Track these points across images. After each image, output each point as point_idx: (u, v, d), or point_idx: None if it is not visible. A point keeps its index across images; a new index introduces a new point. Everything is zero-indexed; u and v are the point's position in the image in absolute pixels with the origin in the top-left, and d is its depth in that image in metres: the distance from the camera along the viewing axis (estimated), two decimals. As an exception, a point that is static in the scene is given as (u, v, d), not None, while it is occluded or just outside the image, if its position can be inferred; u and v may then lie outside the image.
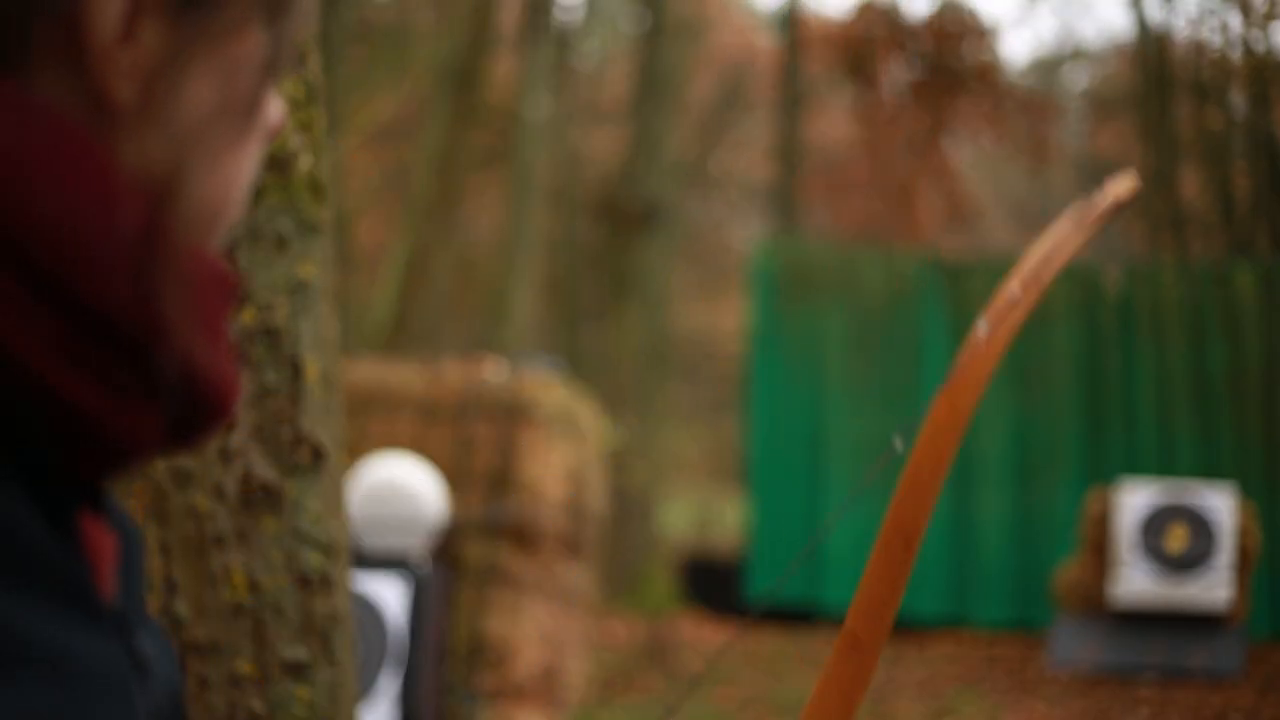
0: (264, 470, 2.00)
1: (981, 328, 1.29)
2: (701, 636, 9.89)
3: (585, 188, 14.76)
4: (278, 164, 1.96)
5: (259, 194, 1.95)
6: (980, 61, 15.56)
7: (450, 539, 6.11)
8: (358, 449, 5.88)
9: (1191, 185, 10.80)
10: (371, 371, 6.65)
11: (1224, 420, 9.40)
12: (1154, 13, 10.86)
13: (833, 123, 17.20)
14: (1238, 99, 10.33)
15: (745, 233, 19.23)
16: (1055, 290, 9.92)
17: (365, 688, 4.77)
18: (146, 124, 0.62)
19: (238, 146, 0.67)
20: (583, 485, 6.68)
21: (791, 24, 15.10)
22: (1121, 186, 1.32)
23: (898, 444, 1.31)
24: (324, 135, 2.05)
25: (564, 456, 6.52)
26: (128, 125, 0.62)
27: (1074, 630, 7.79)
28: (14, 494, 0.58)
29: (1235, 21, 10.16)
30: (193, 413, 0.64)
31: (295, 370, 2.02)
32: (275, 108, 0.70)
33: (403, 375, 6.58)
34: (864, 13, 15.56)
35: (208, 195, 0.65)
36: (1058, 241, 1.30)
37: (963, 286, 9.98)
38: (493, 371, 6.52)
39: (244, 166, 0.68)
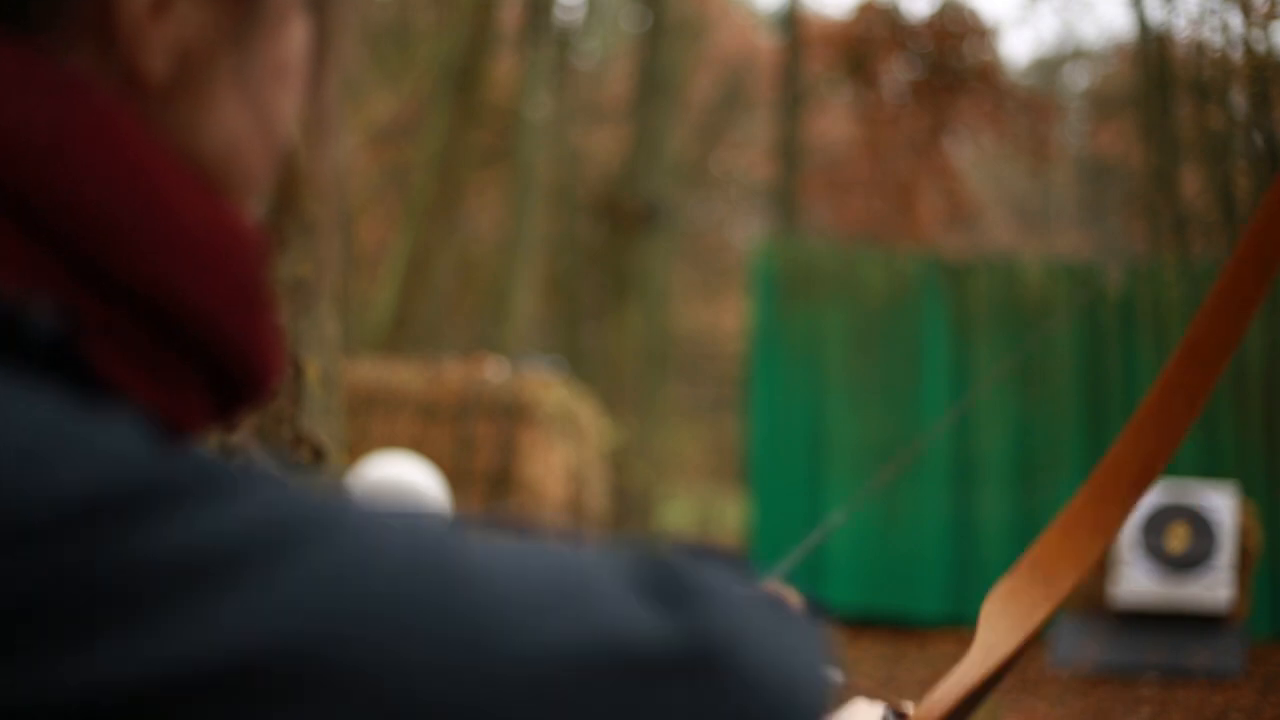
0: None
1: None
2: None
3: (586, 187, 14.75)
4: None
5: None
6: (981, 61, 15.55)
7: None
8: (358, 449, 5.87)
9: (1192, 185, 10.79)
10: (372, 371, 6.65)
11: (1225, 420, 9.39)
12: (1154, 12, 10.86)
13: (833, 122, 17.19)
14: (1238, 98, 10.32)
15: (745, 232, 19.22)
16: (1057, 290, 9.92)
17: (366, 688, 4.76)
18: (179, 104, 0.61)
19: (280, 104, 0.65)
20: (583, 485, 6.68)
21: (791, 24, 15.09)
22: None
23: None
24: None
25: (564, 456, 6.51)
26: (158, 103, 0.60)
27: (1075, 630, 7.79)
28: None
29: (1236, 21, 10.15)
30: (239, 394, 0.63)
31: (295, 370, 2.02)
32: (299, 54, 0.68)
33: (403, 375, 6.57)
34: (864, 13, 15.55)
35: (251, 162, 0.64)
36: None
37: (963, 286, 9.96)
38: (493, 371, 6.51)
39: (280, 122, 0.66)
